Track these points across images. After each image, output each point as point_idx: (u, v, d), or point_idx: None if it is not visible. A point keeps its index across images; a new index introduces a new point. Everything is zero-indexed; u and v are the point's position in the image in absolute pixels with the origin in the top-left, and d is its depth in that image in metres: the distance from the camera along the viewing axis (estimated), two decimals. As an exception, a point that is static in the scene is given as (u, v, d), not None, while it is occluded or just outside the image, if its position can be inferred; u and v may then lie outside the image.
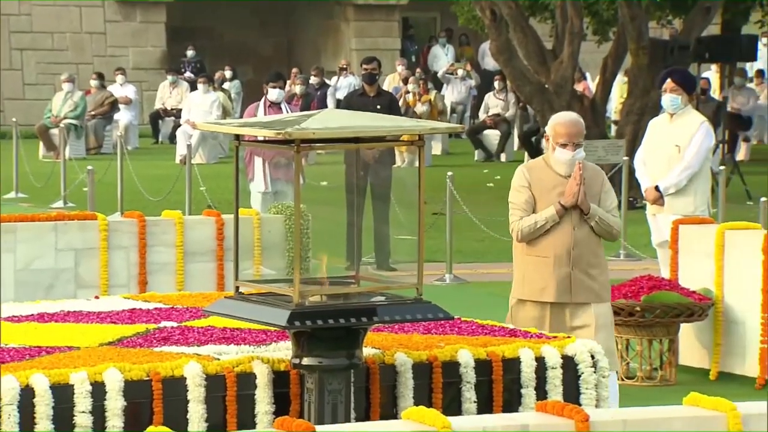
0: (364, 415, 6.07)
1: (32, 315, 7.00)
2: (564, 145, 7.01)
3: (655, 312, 8.61)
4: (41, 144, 21.91)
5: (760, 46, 22.72)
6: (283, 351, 6.14)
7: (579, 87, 20.16)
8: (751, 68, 24.56)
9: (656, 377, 8.72)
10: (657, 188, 9.58)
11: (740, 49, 18.91)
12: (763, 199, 11.36)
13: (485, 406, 6.24)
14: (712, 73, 23.13)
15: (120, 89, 23.91)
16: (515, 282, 7.16)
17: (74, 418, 5.73)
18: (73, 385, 5.75)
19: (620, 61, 18.18)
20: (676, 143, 9.57)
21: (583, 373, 6.42)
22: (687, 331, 8.92)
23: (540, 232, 7.00)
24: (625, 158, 14.15)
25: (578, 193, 6.94)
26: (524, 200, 7.03)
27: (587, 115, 17.44)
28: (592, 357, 6.42)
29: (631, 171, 12.36)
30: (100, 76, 23.49)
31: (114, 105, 23.15)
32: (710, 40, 18.57)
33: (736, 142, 21.44)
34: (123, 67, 25.22)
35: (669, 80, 9.56)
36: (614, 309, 8.65)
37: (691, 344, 8.97)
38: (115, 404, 5.79)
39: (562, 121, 7.10)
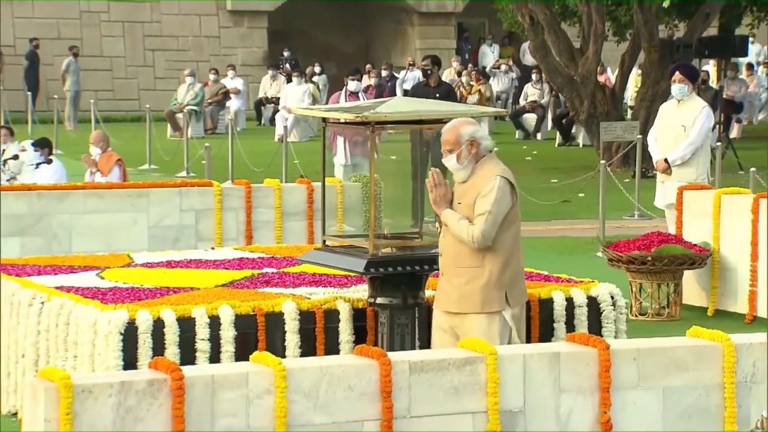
0: (427, 344, 6.05)
1: (162, 262, 7.05)
2: None
3: (664, 261, 8.51)
4: (169, 126, 22.04)
5: (749, 44, 22.31)
6: (361, 292, 6.14)
7: (601, 79, 19.91)
8: (742, 63, 24.17)
9: (664, 314, 8.63)
10: (666, 160, 9.47)
11: (734, 46, 18.59)
12: (752, 169, 11.19)
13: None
14: (710, 67, 22.78)
15: (231, 82, 23.98)
16: None
17: (196, 344, 5.77)
18: (194, 318, 5.79)
19: (635, 57, 17.96)
20: (682, 124, 9.46)
21: (604, 310, 6.36)
22: (689, 277, 8.81)
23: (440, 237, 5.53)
24: (639, 136, 13.99)
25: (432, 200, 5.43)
26: None
27: (608, 101, 17.26)
28: (612, 298, 6.37)
29: (644, 147, 12.21)
30: (216, 71, 23.59)
31: (226, 95, 23.26)
32: (709, 39, 18.27)
33: (729, 123, 21.09)
34: (233, 63, 25.29)
35: (677, 72, 9.44)
36: (630, 259, 8.58)
37: (692, 287, 8.86)
38: (227, 334, 5.83)
39: None
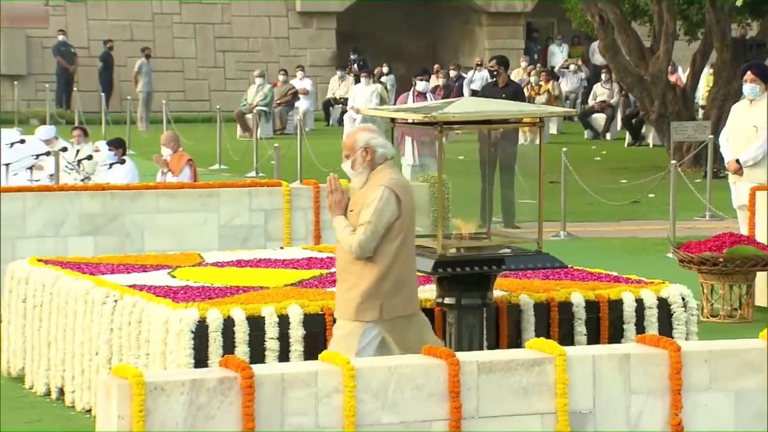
0: (495, 345, 6.04)
1: (232, 261, 7.11)
2: None
3: (736, 262, 8.39)
4: (238, 126, 22.23)
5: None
6: (428, 292, 6.13)
7: (672, 78, 19.66)
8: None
9: (736, 315, 8.51)
10: (738, 161, 9.35)
11: (808, 45, 18.25)
12: (827, 169, 10.96)
13: (594, 338, 6.16)
14: (784, 66, 22.37)
15: (299, 83, 24.12)
16: None
17: (265, 343, 5.81)
18: (264, 317, 5.83)
19: (707, 56, 17.72)
20: (754, 124, 9.33)
21: (675, 312, 6.29)
22: (762, 278, 8.67)
23: None
24: (711, 136, 13.81)
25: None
26: None
27: (679, 101, 17.06)
28: (683, 299, 6.29)
29: (716, 147, 12.04)
30: (285, 72, 23.74)
31: (295, 95, 23.39)
32: (783, 38, 17.96)
33: (804, 122, 20.71)
34: (302, 64, 25.43)
35: (749, 72, 9.31)
36: (701, 260, 8.48)
37: (765, 288, 8.72)
38: (296, 333, 5.85)
39: None
